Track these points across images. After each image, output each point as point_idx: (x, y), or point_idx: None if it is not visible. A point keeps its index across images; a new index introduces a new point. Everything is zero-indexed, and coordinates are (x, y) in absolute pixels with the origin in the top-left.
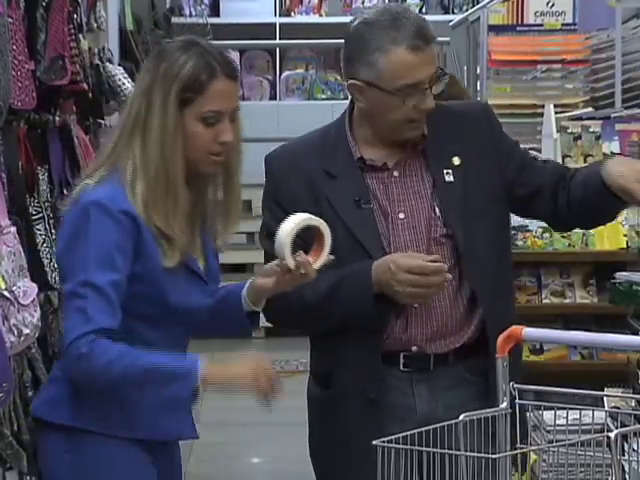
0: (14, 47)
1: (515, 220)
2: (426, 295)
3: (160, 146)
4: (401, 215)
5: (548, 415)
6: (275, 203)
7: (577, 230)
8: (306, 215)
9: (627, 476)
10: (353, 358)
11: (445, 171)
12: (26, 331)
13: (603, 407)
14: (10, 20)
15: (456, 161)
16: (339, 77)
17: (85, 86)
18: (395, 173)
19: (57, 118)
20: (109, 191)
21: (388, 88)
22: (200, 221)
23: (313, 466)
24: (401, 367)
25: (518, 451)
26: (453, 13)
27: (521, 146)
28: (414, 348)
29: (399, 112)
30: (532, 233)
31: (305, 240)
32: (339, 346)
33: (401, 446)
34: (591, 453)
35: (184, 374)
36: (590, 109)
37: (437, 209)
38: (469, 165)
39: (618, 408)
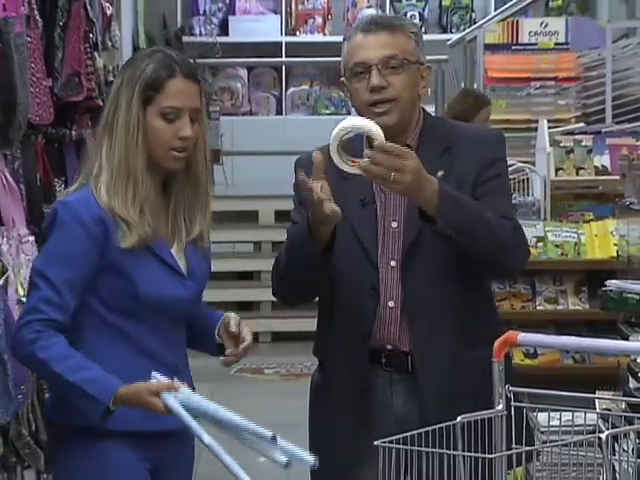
0: (33, 65)
1: None
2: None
3: (124, 140)
4: (394, 224)
5: (542, 417)
6: (295, 194)
7: (569, 239)
8: (356, 121)
9: (617, 475)
10: (345, 347)
11: None
12: None
13: (595, 409)
14: (29, 39)
15: (439, 174)
16: (342, 93)
17: (100, 102)
18: None
19: (73, 132)
20: (78, 195)
21: (346, 70)
22: (175, 217)
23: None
24: (383, 366)
25: (514, 451)
26: (451, 32)
27: (506, 180)
28: (389, 346)
29: (359, 95)
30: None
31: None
32: (332, 334)
33: (401, 446)
34: (583, 453)
35: (97, 398)
36: (582, 124)
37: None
38: (449, 179)
39: (609, 410)
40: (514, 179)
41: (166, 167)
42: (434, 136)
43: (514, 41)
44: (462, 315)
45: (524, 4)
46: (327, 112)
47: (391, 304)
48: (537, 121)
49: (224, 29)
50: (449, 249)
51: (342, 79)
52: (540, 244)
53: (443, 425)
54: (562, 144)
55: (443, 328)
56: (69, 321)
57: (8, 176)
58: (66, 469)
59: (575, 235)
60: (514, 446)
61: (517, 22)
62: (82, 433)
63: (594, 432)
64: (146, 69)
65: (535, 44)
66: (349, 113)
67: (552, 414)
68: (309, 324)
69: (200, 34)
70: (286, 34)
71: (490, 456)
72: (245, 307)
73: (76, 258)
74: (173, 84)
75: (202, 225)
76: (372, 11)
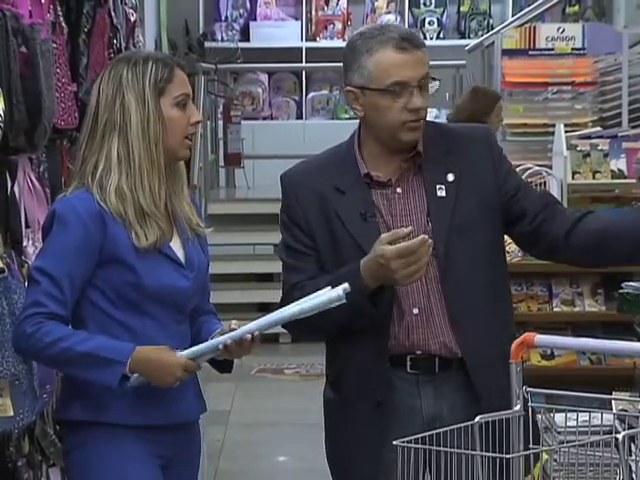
0: (58, 70)
1: None
2: (421, 267)
3: (141, 135)
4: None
5: (559, 417)
6: (287, 216)
7: None
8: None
9: (634, 475)
10: (360, 362)
11: (438, 186)
12: None
13: (611, 410)
14: (54, 45)
15: (450, 177)
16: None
17: None
18: (398, 190)
19: None
20: (76, 195)
21: (378, 87)
22: (175, 212)
23: (329, 467)
24: (408, 369)
25: (531, 451)
26: (469, 38)
27: (525, 166)
28: (418, 352)
29: (392, 113)
30: None
31: None
32: (348, 351)
33: (420, 446)
34: (600, 453)
35: (114, 359)
36: (598, 128)
37: (430, 224)
38: (463, 182)
39: (625, 411)
40: (531, 182)
41: (179, 157)
42: (433, 140)
43: (531, 46)
44: (494, 314)
45: (541, 10)
46: (346, 116)
47: (415, 311)
48: (554, 125)
49: (245, 35)
50: (464, 252)
51: (351, 89)
52: None
53: (462, 425)
54: (579, 148)
55: (483, 327)
56: (69, 317)
57: (34, 180)
58: (75, 462)
59: None
60: (531, 446)
61: (534, 28)
62: (91, 428)
63: (611, 433)
64: (147, 65)
65: (552, 49)
66: None
67: (569, 415)
68: None
69: (222, 40)
70: (306, 40)
71: (508, 456)
72: (265, 309)
73: (74, 253)
74: (178, 73)
75: (195, 215)
76: (391, 17)
